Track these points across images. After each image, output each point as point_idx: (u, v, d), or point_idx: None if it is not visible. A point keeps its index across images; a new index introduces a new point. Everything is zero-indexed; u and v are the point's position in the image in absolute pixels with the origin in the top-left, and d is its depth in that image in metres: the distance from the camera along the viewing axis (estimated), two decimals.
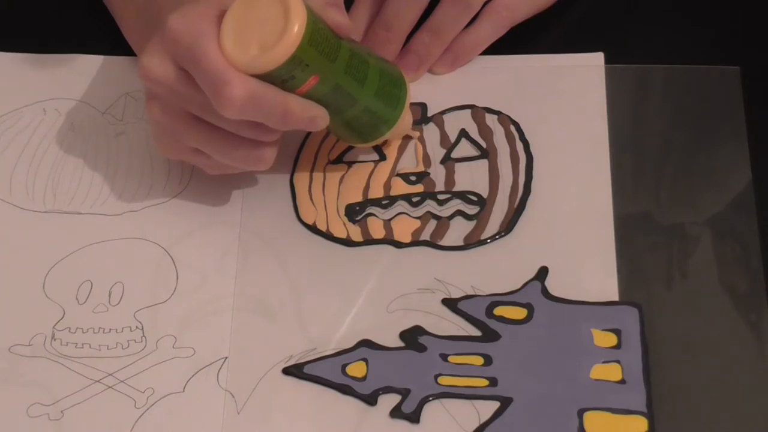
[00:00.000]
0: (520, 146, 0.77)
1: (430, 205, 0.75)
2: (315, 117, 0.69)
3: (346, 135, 0.74)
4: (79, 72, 0.83)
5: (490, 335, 0.70)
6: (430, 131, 0.78)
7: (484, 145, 0.77)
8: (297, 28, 0.65)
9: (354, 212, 0.76)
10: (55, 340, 0.72)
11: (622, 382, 0.68)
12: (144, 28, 0.75)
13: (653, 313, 0.70)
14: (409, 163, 0.77)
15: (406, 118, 0.75)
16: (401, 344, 0.71)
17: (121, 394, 0.70)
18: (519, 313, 0.71)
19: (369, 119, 0.72)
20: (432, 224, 0.75)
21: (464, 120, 0.79)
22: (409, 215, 0.75)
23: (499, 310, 0.71)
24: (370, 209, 0.76)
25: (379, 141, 0.74)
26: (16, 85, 0.83)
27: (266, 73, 0.66)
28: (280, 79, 0.66)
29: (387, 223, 0.75)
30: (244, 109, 0.66)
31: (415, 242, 0.74)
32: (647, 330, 0.69)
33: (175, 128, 0.70)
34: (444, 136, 0.78)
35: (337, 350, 0.71)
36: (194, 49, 0.65)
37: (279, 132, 0.69)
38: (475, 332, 0.71)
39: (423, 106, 0.79)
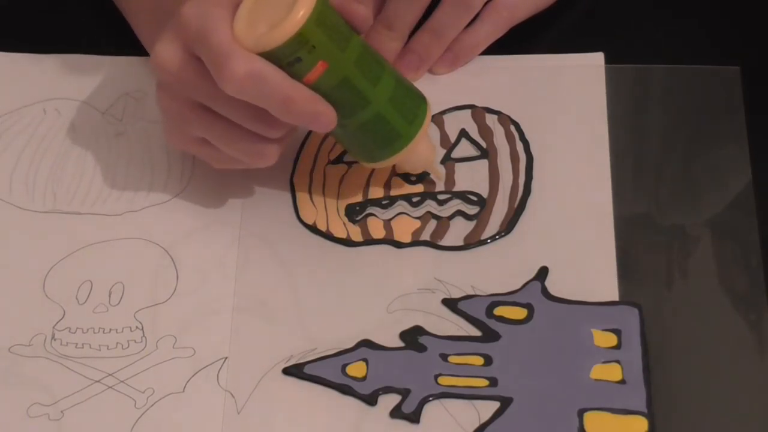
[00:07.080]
0: (520, 146, 0.77)
1: (430, 205, 0.75)
2: (320, 113, 0.67)
3: (355, 145, 0.72)
4: (79, 72, 0.83)
5: (490, 335, 0.70)
6: (430, 131, 0.78)
7: (484, 145, 0.77)
8: (305, 6, 0.65)
9: (354, 212, 0.76)
10: (55, 340, 0.72)
11: (622, 382, 0.68)
12: (158, 25, 0.75)
13: (653, 313, 0.70)
14: None
15: (423, 145, 0.72)
16: (401, 344, 0.71)
17: (121, 394, 0.70)
18: (519, 313, 0.71)
19: (381, 129, 0.70)
20: (432, 224, 0.75)
21: (464, 120, 0.79)
22: (409, 215, 0.75)
23: (499, 310, 0.71)
24: (370, 209, 0.76)
25: (391, 160, 0.72)
26: (16, 85, 0.83)
27: (272, 50, 0.65)
28: (286, 60, 0.66)
29: (387, 223, 0.75)
30: (245, 85, 0.65)
31: (415, 242, 0.74)
32: (647, 330, 0.69)
33: (183, 117, 0.70)
34: (444, 136, 0.78)
35: (337, 350, 0.71)
36: (203, 28, 0.66)
37: (283, 128, 0.69)
38: (475, 332, 0.71)
39: None
